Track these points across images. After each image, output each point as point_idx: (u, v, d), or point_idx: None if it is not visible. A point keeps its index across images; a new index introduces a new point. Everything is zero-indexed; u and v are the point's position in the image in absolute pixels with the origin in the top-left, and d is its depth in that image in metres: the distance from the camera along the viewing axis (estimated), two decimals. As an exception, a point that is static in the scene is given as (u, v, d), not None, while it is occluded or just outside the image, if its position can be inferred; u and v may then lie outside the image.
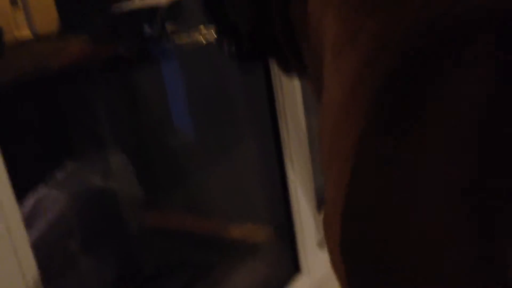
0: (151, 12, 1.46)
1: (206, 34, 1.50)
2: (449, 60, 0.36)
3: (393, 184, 0.37)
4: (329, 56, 0.49)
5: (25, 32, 1.15)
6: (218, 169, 1.49)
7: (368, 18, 0.41)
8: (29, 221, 1.02)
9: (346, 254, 0.40)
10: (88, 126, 1.27)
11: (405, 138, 0.36)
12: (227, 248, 1.53)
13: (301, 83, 1.29)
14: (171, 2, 1.49)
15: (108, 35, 1.40)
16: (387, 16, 0.40)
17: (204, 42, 1.49)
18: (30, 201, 1.09)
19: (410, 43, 0.37)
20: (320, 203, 1.50)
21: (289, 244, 1.48)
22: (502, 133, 0.33)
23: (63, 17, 1.23)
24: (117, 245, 1.27)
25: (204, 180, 1.46)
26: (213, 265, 1.43)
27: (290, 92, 1.26)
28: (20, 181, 0.76)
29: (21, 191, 0.78)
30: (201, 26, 1.52)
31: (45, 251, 1.07)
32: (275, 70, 1.20)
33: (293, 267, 1.49)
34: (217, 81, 1.49)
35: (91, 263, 1.17)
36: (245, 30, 0.64)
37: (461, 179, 0.34)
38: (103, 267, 1.20)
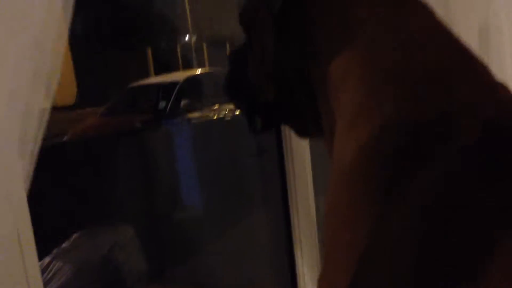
0: (166, 87, 1.52)
1: (218, 110, 1.55)
2: (429, 151, 0.43)
3: None
4: (345, 122, 0.52)
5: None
6: (225, 243, 1.47)
7: (385, 101, 0.48)
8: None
9: None
10: (97, 197, 1.27)
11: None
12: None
13: (313, 165, 1.31)
14: (185, 79, 1.55)
15: (124, 108, 1.45)
16: (398, 102, 0.46)
17: (215, 117, 1.54)
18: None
19: (409, 130, 0.44)
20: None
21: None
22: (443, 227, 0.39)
23: (82, 90, 1.28)
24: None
25: (210, 254, 1.44)
26: None
27: (301, 173, 1.28)
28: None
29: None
30: (213, 102, 1.58)
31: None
32: (288, 150, 1.23)
33: None
34: (227, 156, 1.51)
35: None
36: (266, 103, 0.66)
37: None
38: None
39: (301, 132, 0.72)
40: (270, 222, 1.43)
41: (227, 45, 1.69)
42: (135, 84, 1.50)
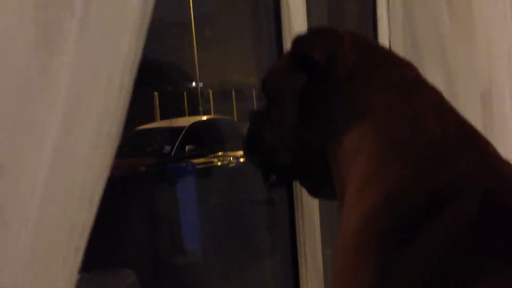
0: (172, 132, 1.54)
1: (222, 157, 1.56)
2: (425, 218, 0.50)
3: None
4: (353, 191, 0.59)
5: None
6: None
7: (389, 174, 0.55)
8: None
9: None
10: (99, 240, 1.26)
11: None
12: None
13: (321, 220, 1.32)
14: (191, 125, 1.58)
15: (131, 151, 1.46)
16: (401, 175, 0.54)
17: (219, 164, 1.55)
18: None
19: (409, 201, 0.52)
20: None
21: None
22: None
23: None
24: None
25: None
26: None
27: (311, 227, 1.28)
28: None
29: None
30: (217, 149, 1.59)
31: None
32: (298, 200, 1.24)
33: None
34: (232, 203, 1.51)
35: None
36: (282, 165, 0.71)
37: None
38: None
39: (313, 193, 0.76)
40: (277, 273, 1.42)
41: (233, 94, 1.73)
42: (142, 127, 1.52)
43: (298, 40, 0.64)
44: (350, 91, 0.60)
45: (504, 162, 0.55)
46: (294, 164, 0.68)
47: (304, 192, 1.15)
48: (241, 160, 1.56)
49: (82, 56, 0.42)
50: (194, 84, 1.67)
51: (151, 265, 1.33)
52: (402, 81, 0.60)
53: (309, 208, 1.29)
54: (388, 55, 0.65)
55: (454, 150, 0.54)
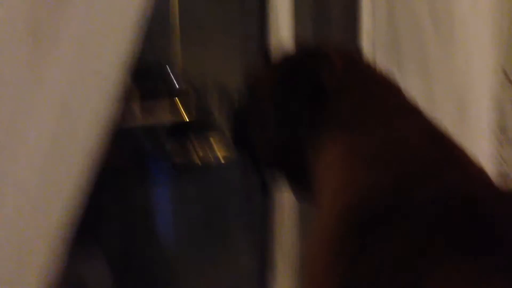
0: (153, 129, 1.53)
1: (204, 155, 1.57)
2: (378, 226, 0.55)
3: None
4: (327, 193, 0.66)
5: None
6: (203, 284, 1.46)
7: (358, 181, 0.62)
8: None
9: None
10: (76, 233, 1.25)
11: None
12: None
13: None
14: (173, 123, 1.58)
15: (111, 149, 1.45)
16: (370, 181, 0.61)
17: (200, 163, 1.55)
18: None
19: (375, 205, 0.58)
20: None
21: None
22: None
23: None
24: None
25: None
26: None
27: (287, 224, 1.30)
28: None
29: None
30: (199, 148, 1.59)
31: None
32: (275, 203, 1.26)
33: None
34: (212, 200, 1.52)
35: None
36: (267, 161, 0.76)
37: None
38: None
39: (298, 196, 0.81)
40: (251, 268, 1.44)
41: (215, 93, 1.73)
42: (123, 126, 1.51)
43: (293, 63, 0.70)
44: (334, 108, 0.66)
45: (472, 165, 0.60)
46: (276, 163, 0.71)
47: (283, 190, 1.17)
48: (222, 159, 1.57)
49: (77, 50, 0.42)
50: (176, 83, 1.67)
51: (128, 258, 1.33)
52: (381, 103, 0.68)
53: (286, 206, 1.32)
54: (373, 77, 0.72)
55: (424, 160, 0.59)
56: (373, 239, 0.53)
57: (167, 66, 1.62)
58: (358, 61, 0.76)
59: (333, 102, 0.67)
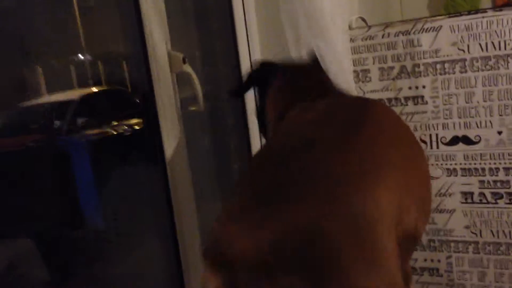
0: (61, 106, 1.50)
1: (116, 126, 1.55)
2: None
3: None
4: (269, 118, 1.28)
5: None
6: (129, 258, 1.47)
7: (276, 108, 1.27)
8: None
9: None
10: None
11: None
12: None
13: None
14: (82, 97, 1.54)
15: (17, 129, 1.41)
16: (285, 103, 1.22)
17: (114, 133, 1.54)
18: None
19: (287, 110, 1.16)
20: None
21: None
22: None
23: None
24: None
25: (114, 267, 1.44)
26: None
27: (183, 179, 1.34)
28: None
29: None
30: (111, 119, 1.58)
31: None
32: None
33: None
34: (128, 172, 1.52)
35: None
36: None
37: None
38: None
39: (262, 132, 1.38)
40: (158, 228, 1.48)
41: (123, 62, 1.70)
42: (27, 103, 1.47)
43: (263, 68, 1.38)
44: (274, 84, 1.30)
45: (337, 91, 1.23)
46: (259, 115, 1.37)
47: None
48: (136, 127, 1.56)
49: None
50: (81, 55, 1.63)
51: (50, 234, 1.32)
52: (301, 80, 1.24)
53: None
54: (298, 72, 1.31)
55: (311, 91, 1.14)
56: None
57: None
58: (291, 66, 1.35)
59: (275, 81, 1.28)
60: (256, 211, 0.60)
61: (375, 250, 0.58)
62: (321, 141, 0.70)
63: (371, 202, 0.60)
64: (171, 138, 1.41)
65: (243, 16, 1.83)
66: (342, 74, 1.39)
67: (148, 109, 1.43)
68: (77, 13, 1.75)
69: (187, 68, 1.44)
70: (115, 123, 1.56)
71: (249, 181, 0.68)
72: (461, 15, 1.56)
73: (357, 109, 0.88)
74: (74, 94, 1.55)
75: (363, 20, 1.75)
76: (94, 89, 1.62)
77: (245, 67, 1.88)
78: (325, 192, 0.59)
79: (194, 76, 1.46)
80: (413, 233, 0.75)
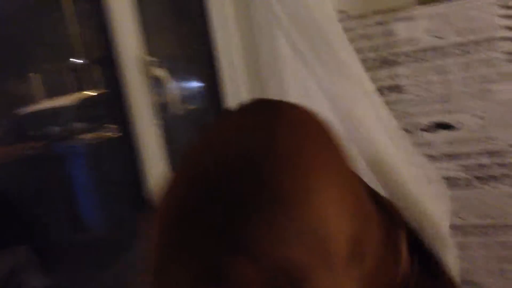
0: (57, 112, 1.53)
1: (111, 130, 1.58)
2: None
3: None
4: None
5: None
6: (131, 262, 1.49)
7: None
8: None
9: None
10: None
11: None
12: None
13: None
14: (76, 103, 1.57)
15: (14, 136, 1.44)
16: None
17: (109, 137, 1.57)
18: None
19: None
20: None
21: None
22: None
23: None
24: None
25: (113, 272, 1.46)
26: None
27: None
28: None
29: None
30: (107, 122, 1.60)
31: None
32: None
33: None
34: (126, 174, 1.54)
35: None
36: None
37: None
38: None
39: None
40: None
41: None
42: (25, 110, 1.50)
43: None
44: None
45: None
46: None
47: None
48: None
49: None
50: (78, 60, 1.65)
51: (49, 242, 1.35)
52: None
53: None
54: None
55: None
56: None
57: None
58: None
59: None
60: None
61: None
62: None
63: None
64: (147, 142, 1.44)
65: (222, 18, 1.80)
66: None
67: (121, 115, 1.45)
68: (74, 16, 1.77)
69: (160, 72, 1.47)
70: (111, 126, 1.58)
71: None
72: (436, 2, 1.56)
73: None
74: (70, 99, 1.58)
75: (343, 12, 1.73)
76: (91, 93, 1.65)
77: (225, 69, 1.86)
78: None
79: (167, 80, 1.48)
80: None
